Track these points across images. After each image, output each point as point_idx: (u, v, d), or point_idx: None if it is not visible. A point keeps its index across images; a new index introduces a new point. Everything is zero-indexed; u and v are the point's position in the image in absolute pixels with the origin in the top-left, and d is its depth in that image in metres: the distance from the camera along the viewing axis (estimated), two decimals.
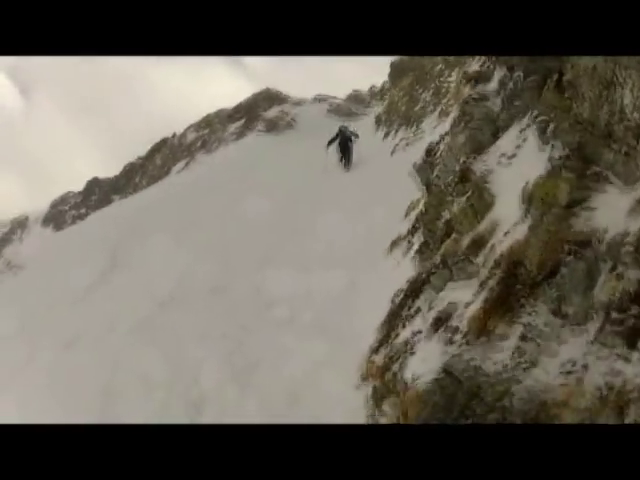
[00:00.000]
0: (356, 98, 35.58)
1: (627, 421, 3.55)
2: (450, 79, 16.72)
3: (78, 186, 43.75)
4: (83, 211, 38.40)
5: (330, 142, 18.86)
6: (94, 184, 41.10)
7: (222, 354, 7.90)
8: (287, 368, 6.75)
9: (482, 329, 3.92)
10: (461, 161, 5.93)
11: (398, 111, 23.05)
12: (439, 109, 17.85)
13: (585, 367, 3.51)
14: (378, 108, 28.16)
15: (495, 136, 5.81)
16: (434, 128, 16.52)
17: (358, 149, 19.10)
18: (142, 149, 41.03)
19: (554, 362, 3.60)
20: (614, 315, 3.60)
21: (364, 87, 34.68)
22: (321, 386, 6.05)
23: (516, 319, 3.84)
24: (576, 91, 4.59)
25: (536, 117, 5.09)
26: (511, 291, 3.99)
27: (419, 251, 6.07)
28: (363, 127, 22.96)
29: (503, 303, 3.97)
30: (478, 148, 5.85)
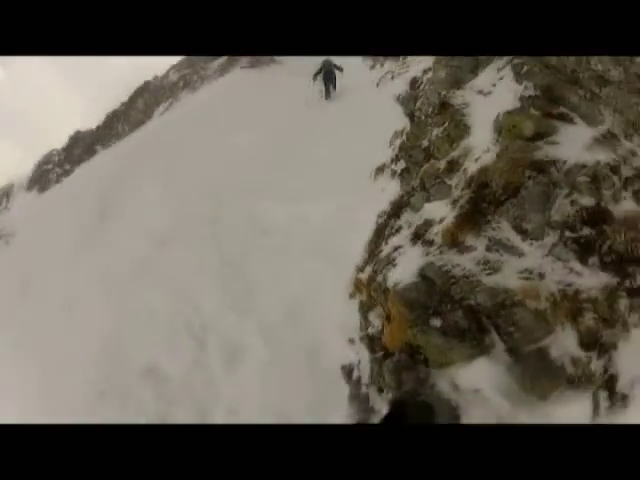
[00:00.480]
0: None
1: (581, 328, 4.05)
2: None
3: (61, 143, 42.60)
4: (68, 167, 37.55)
5: (315, 75, 19.04)
6: (77, 138, 39.82)
7: (221, 282, 8.10)
8: (283, 290, 7.06)
9: (453, 241, 4.53)
10: (441, 94, 6.41)
11: None
12: None
13: (541, 275, 4.12)
14: None
15: (474, 73, 6.32)
16: (419, 63, 16.53)
17: (344, 82, 19.23)
18: (124, 96, 39.75)
19: (513, 269, 4.21)
20: (567, 234, 4.22)
21: None
22: (316, 304, 6.43)
23: (482, 233, 4.46)
24: None
25: (512, 59, 5.60)
26: (478, 209, 4.60)
27: (400, 175, 6.60)
28: (350, 60, 22.97)
29: (471, 219, 4.59)
30: (457, 83, 6.37)
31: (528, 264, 4.23)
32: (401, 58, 20.61)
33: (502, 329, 3.97)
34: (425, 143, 6.02)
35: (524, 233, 4.40)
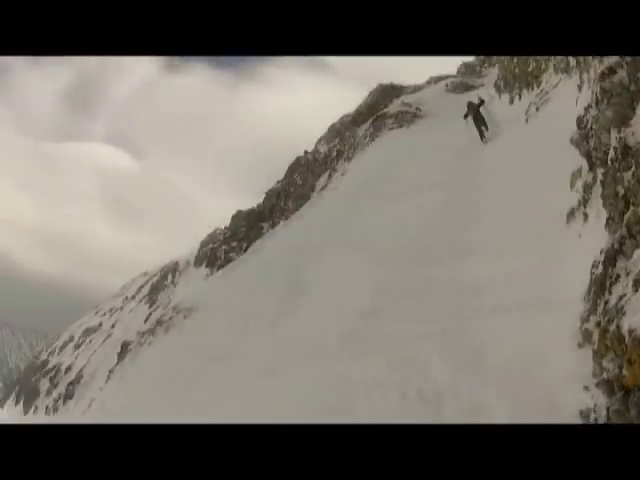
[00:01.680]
0: (467, 69, 35.03)
1: None
2: None
3: (217, 224, 44.29)
4: (234, 244, 39.30)
5: (465, 116, 19.49)
6: (239, 217, 41.53)
7: (444, 346, 8.00)
8: (512, 347, 7.06)
9: None
10: (615, 137, 6.59)
11: (512, 74, 22.68)
12: (551, 64, 17.48)
13: None
14: (491, 76, 27.42)
15: (632, 108, 6.40)
16: (554, 87, 15.77)
17: (490, 118, 19.30)
18: (268, 177, 41.19)
19: None
20: None
21: (468, 58, 34.89)
22: (546, 357, 6.50)
23: None
24: None
25: None
26: None
27: (606, 224, 6.72)
28: (486, 97, 22.73)
29: None
30: (624, 120, 6.48)
31: None
32: (535, 86, 19.91)
33: None
34: (620, 190, 6.23)
35: None
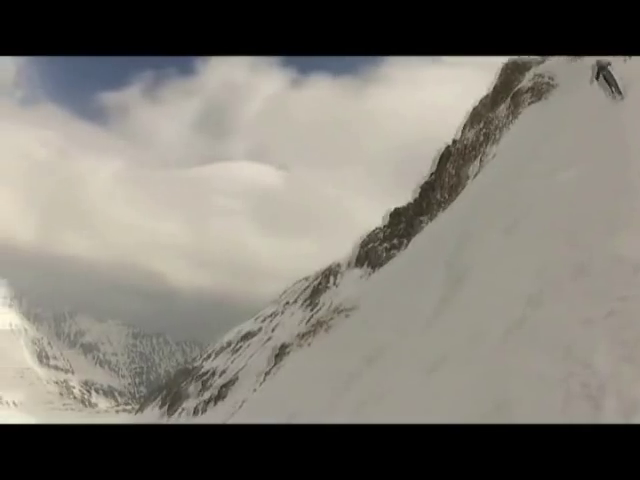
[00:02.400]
0: None
1: None
2: None
3: (372, 224, 45.64)
4: (395, 241, 40.59)
5: (596, 77, 18.52)
6: (396, 214, 42.71)
7: (608, 335, 7.35)
8: None
9: None
10: None
11: None
12: None
13: None
14: None
15: None
16: None
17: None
18: (417, 172, 41.42)
19: None
20: None
21: None
22: None
23: None
24: None
25: None
26: None
27: None
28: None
29: None
30: None
31: None
32: None
33: None
34: None
35: None
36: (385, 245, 41.59)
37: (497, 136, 30.94)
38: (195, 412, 55.35)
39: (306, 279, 62.06)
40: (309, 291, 54.59)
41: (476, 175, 29.36)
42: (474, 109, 38.83)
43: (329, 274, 49.55)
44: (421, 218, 37.75)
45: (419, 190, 40.34)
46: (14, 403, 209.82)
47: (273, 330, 56.32)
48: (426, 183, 39.72)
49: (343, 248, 52.73)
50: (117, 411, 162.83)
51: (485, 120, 34.69)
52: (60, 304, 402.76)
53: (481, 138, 33.94)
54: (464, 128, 38.80)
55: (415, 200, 40.31)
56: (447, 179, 36.88)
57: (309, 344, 22.42)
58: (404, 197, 43.24)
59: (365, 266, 41.94)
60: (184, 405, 61.11)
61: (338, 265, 48.44)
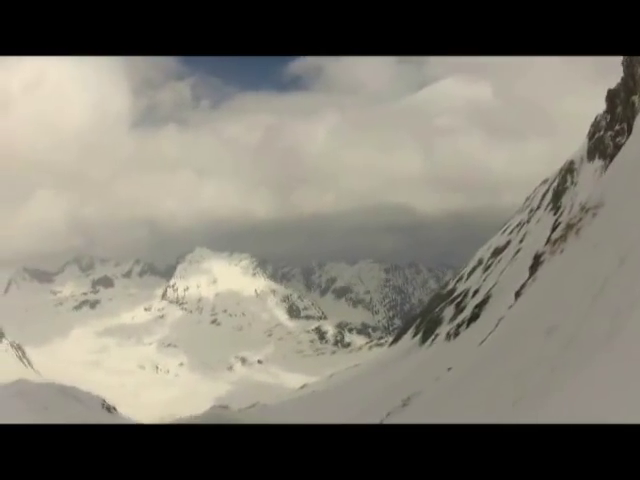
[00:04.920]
0: None
1: None
2: None
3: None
4: (617, 127, 36.62)
5: None
6: (609, 97, 37.86)
7: None
8: None
9: None
10: None
11: None
12: None
13: None
14: None
15: None
16: None
17: None
18: None
19: None
20: None
21: None
22: None
23: None
24: None
25: None
26: None
27: None
28: None
29: None
30: None
31: None
32: None
33: None
34: None
35: None
36: (609, 133, 39.53)
37: None
38: (448, 337, 53.03)
39: (544, 182, 60.68)
40: (550, 194, 53.27)
41: None
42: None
43: (565, 173, 48.17)
44: (633, 98, 33.12)
45: (623, 67, 34.82)
46: (258, 361, 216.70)
47: (521, 241, 54.25)
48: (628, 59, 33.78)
49: (572, 144, 51.59)
50: (370, 347, 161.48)
51: None
52: (307, 260, 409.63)
53: None
54: None
55: (622, 79, 35.49)
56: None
57: (561, 251, 20.26)
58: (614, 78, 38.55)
59: (597, 158, 40.37)
60: (437, 331, 59.29)
61: (572, 162, 47.05)
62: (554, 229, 26.89)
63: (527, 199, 66.69)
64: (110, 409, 46.24)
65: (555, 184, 51.10)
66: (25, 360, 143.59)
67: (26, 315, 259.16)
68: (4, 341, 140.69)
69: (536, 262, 23.00)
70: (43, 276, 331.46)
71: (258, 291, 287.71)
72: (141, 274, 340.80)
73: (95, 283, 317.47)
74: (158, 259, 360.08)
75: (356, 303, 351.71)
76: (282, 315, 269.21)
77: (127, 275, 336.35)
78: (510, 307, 22.83)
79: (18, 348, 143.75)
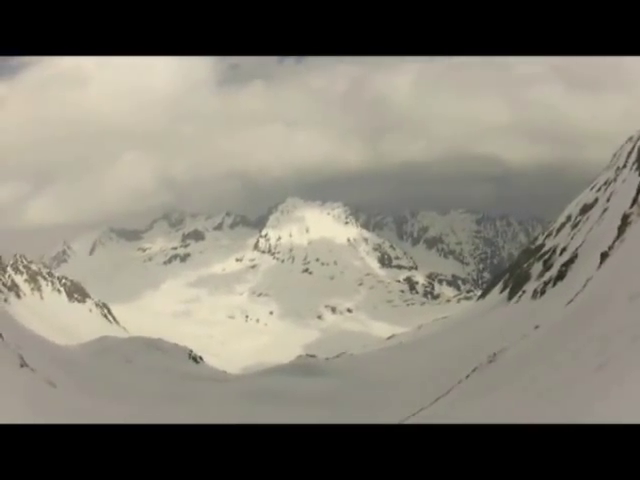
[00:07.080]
0: None
1: None
2: None
3: None
4: None
5: None
6: None
7: None
8: None
9: None
10: None
11: None
12: None
13: None
14: None
15: None
16: None
17: None
18: None
19: None
20: None
21: None
22: None
23: None
24: None
25: None
26: None
27: None
28: None
29: None
30: None
31: None
32: None
33: None
34: None
35: None
36: None
37: None
38: (534, 295, 52.44)
39: (630, 139, 59.59)
40: (635, 153, 51.89)
41: None
42: None
43: None
44: None
45: None
46: (348, 310, 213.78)
47: (608, 200, 53.19)
48: None
49: None
50: (458, 300, 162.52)
51: None
52: (400, 208, 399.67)
53: None
54: None
55: None
56: None
57: None
58: None
59: None
60: (524, 287, 58.79)
61: None
62: (639, 190, 26.51)
63: (614, 156, 65.11)
64: (197, 359, 46.40)
65: (639, 143, 50.14)
66: (110, 317, 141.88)
67: (113, 273, 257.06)
68: (88, 301, 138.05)
69: (624, 223, 22.54)
70: (131, 234, 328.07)
71: (350, 239, 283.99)
72: (232, 226, 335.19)
73: (185, 237, 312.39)
74: (250, 211, 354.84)
75: (447, 254, 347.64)
76: (374, 263, 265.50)
77: (218, 227, 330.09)
78: (597, 269, 22.46)
79: (103, 306, 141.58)
